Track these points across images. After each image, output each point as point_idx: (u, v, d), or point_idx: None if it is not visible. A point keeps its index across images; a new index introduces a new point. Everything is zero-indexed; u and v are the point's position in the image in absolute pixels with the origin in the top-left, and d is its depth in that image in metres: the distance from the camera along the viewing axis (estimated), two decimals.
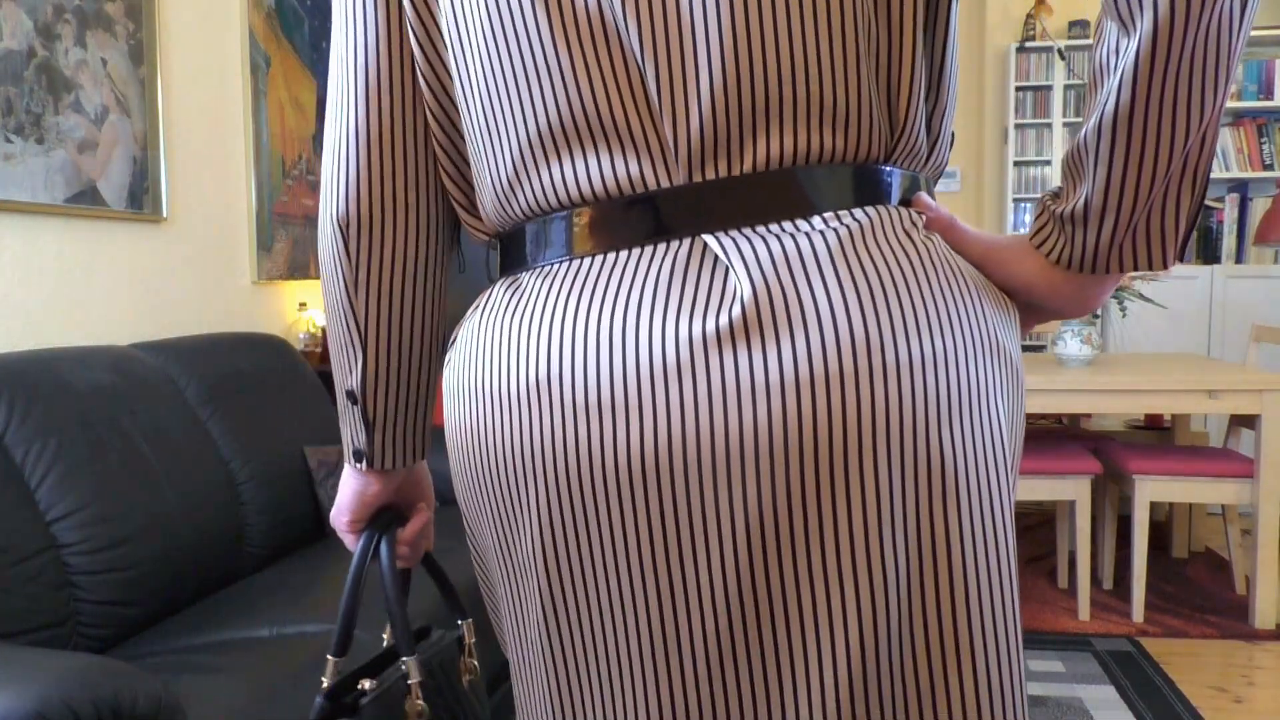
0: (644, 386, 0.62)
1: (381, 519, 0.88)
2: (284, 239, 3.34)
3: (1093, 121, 0.62)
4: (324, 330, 3.41)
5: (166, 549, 2.03)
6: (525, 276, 0.71)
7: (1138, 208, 0.63)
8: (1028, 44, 4.56)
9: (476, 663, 0.93)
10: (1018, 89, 4.60)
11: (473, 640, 0.93)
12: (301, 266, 3.46)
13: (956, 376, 0.62)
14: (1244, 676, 2.65)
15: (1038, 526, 4.19)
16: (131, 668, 1.22)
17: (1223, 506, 3.42)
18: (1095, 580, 3.41)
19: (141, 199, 2.63)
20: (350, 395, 0.82)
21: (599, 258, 0.67)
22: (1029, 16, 4.57)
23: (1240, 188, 4.53)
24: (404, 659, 0.83)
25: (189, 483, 2.15)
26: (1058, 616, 3.08)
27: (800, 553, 0.61)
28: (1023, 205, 4.66)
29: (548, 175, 0.68)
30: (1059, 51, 4.53)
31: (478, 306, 0.75)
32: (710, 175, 0.65)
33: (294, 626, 1.84)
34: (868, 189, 0.67)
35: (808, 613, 0.62)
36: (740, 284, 0.62)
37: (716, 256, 0.64)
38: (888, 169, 0.68)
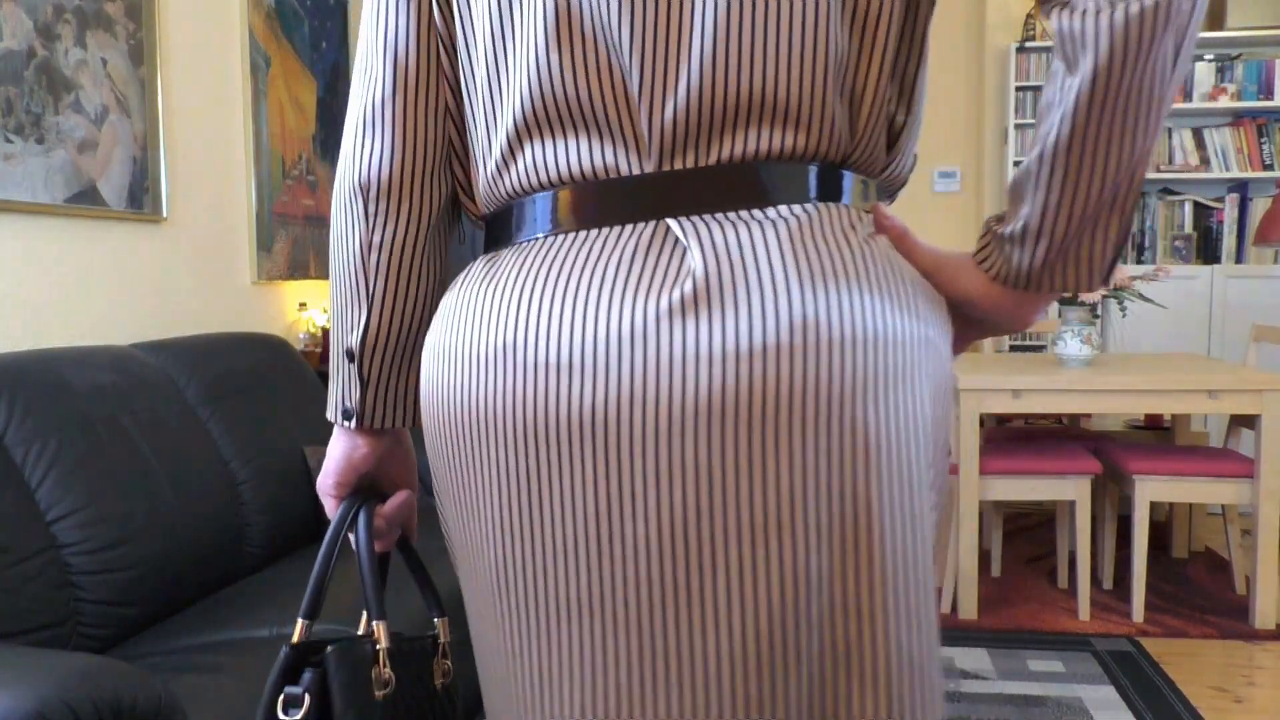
0: (599, 351, 0.68)
1: (364, 490, 0.89)
2: (284, 239, 3.34)
3: (1036, 151, 0.69)
4: (324, 330, 3.41)
5: (166, 549, 2.03)
6: (504, 252, 0.77)
7: (1069, 233, 0.69)
8: (1028, 44, 4.56)
9: (451, 664, 0.92)
10: (1018, 89, 4.60)
11: (448, 640, 0.90)
12: (301, 266, 3.46)
13: (885, 358, 0.68)
14: (1244, 676, 2.65)
15: (1038, 526, 4.19)
16: (131, 668, 1.22)
17: (1223, 506, 3.42)
18: (1095, 580, 3.41)
19: (141, 199, 2.63)
20: (349, 353, 0.86)
21: (570, 235, 0.73)
22: (1029, 16, 4.57)
23: (1240, 188, 4.53)
24: (374, 622, 0.85)
25: (189, 483, 2.15)
26: (1058, 616, 3.08)
27: (732, 509, 0.67)
28: None
29: (532, 157, 0.75)
30: None
31: (458, 279, 0.81)
32: (679, 165, 0.72)
33: (294, 626, 1.84)
34: (822, 187, 0.73)
35: (734, 565, 0.67)
36: (694, 263, 0.68)
37: (677, 238, 0.70)
38: (843, 172, 0.75)
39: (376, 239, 0.83)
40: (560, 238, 0.73)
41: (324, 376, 3.19)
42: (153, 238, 2.70)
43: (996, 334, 0.79)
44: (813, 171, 0.73)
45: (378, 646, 0.83)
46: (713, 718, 0.68)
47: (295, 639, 0.84)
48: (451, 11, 0.80)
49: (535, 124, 0.74)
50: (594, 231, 0.72)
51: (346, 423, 0.88)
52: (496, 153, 0.77)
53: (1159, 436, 3.83)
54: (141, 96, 2.62)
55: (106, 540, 1.89)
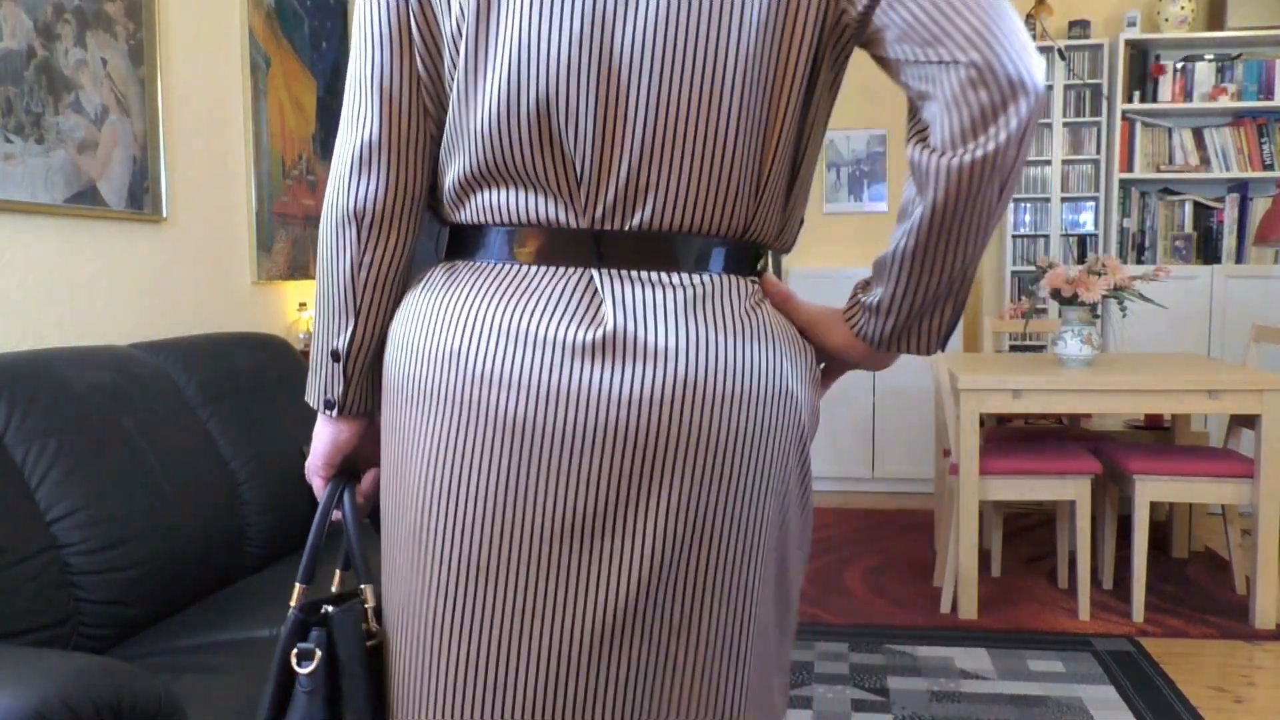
0: (523, 373, 0.84)
1: (345, 472, 1.04)
2: (284, 239, 3.34)
3: (892, 247, 0.86)
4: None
5: (166, 549, 2.03)
6: (460, 266, 0.92)
7: (912, 314, 0.88)
8: None
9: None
10: None
11: (373, 605, 0.99)
12: (301, 266, 3.46)
13: (749, 415, 0.86)
14: (1244, 677, 2.65)
15: (1038, 526, 4.19)
16: (131, 668, 1.22)
17: (1223, 506, 3.42)
18: (1095, 580, 3.41)
19: (141, 199, 2.63)
20: (334, 354, 0.98)
21: (515, 265, 0.89)
22: (1029, 16, 4.57)
23: (1240, 188, 4.53)
24: (362, 585, 0.98)
25: (189, 483, 2.15)
26: (1058, 616, 3.08)
27: (610, 512, 0.84)
28: (1022, 205, 4.66)
29: (486, 200, 0.91)
30: (1059, 51, 4.52)
31: (421, 280, 0.96)
32: (608, 226, 0.88)
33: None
34: (722, 257, 0.91)
35: (605, 552, 0.85)
36: (606, 314, 0.85)
37: (596, 288, 0.86)
38: (741, 242, 0.92)
39: (366, 259, 0.94)
40: (506, 266, 0.89)
41: None
42: (153, 238, 2.71)
43: (863, 368, 0.97)
44: (715, 244, 0.90)
45: (366, 605, 0.97)
46: (577, 658, 0.86)
47: (293, 602, 0.98)
48: (435, 55, 0.92)
49: (488, 176, 0.90)
50: (534, 268, 0.88)
51: (329, 412, 1.00)
52: (456, 186, 0.92)
53: (1159, 436, 3.83)
54: (141, 96, 2.62)
55: (106, 540, 1.89)
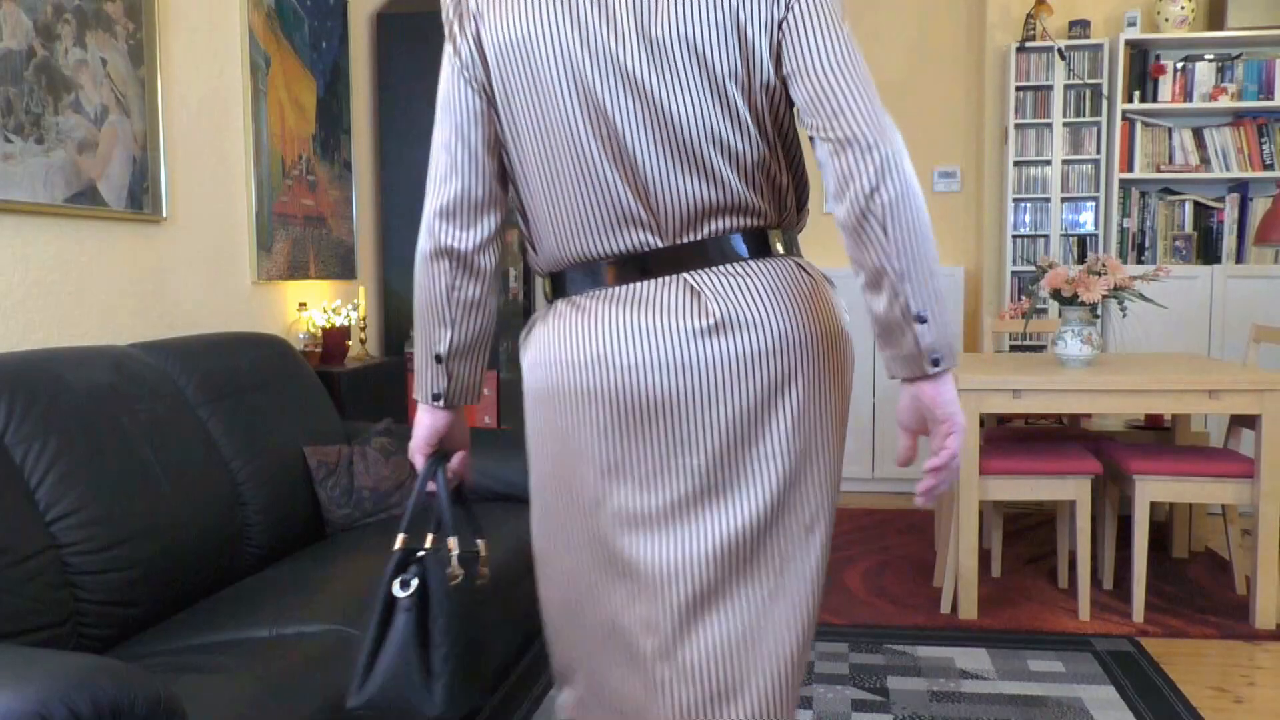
0: (662, 358, 1.16)
1: (439, 452, 1.34)
2: (284, 239, 3.34)
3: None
4: (323, 330, 3.42)
5: (166, 549, 2.03)
6: (579, 297, 1.23)
7: (890, 348, 1.19)
8: (1028, 44, 4.56)
9: (488, 570, 1.34)
10: (1018, 89, 4.60)
11: (487, 554, 1.33)
12: (301, 266, 3.46)
13: (815, 356, 1.20)
14: (1244, 677, 2.65)
15: (1038, 526, 4.19)
16: (131, 668, 1.22)
17: (1223, 506, 3.42)
18: (1095, 580, 3.40)
19: (141, 199, 2.63)
20: (437, 357, 1.29)
21: (624, 287, 1.20)
22: (1029, 16, 4.57)
23: (1240, 188, 4.53)
24: (449, 538, 1.28)
25: (189, 483, 2.15)
26: (1058, 616, 3.08)
27: (746, 446, 1.17)
28: (1023, 205, 4.66)
29: (596, 241, 1.21)
30: (1059, 51, 4.52)
31: (546, 314, 1.27)
32: (683, 241, 1.20)
33: (294, 626, 1.84)
34: (764, 243, 1.23)
35: (750, 475, 1.18)
36: (712, 305, 1.17)
37: (693, 287, 1.18)
38: (773, 231, 1.24)
39: (457, 283, 1.26)
40: (618, 288, 1.20)
41: (324, 376, 3.20)
42: (153, 238, 2.70)
43: (934, 401, 1.20)
44: (757, 234, 1.22)
45: (452, 553, 1.27)
46: (741, 536, 1.19)
47: (397, 546, 1.27)
48: (506, 138, 1.23)
49: (586, 229, 1.21)
50: (640, 284, 1.20)
51: (435, 403, 1.31)
52: (563, 235, 1.23)
53: (1159, 436, 3.83)
54: (141, 96, 2.62)
55: (106, 540, 1.89)
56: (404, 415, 3.70)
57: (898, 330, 1.13)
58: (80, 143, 2.40)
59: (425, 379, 1.30)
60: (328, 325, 3.44)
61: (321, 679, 1.65)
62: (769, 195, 1.23)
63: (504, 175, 1.26)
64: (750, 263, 1.21)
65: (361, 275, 4.00)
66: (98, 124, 2.46)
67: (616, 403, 1.17)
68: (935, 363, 1.13)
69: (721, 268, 1.20)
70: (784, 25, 1.14)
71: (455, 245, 1.24)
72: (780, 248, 1.25)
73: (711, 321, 1.16)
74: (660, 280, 1.19)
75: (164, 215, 2.71)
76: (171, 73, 2.78)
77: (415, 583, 1.25)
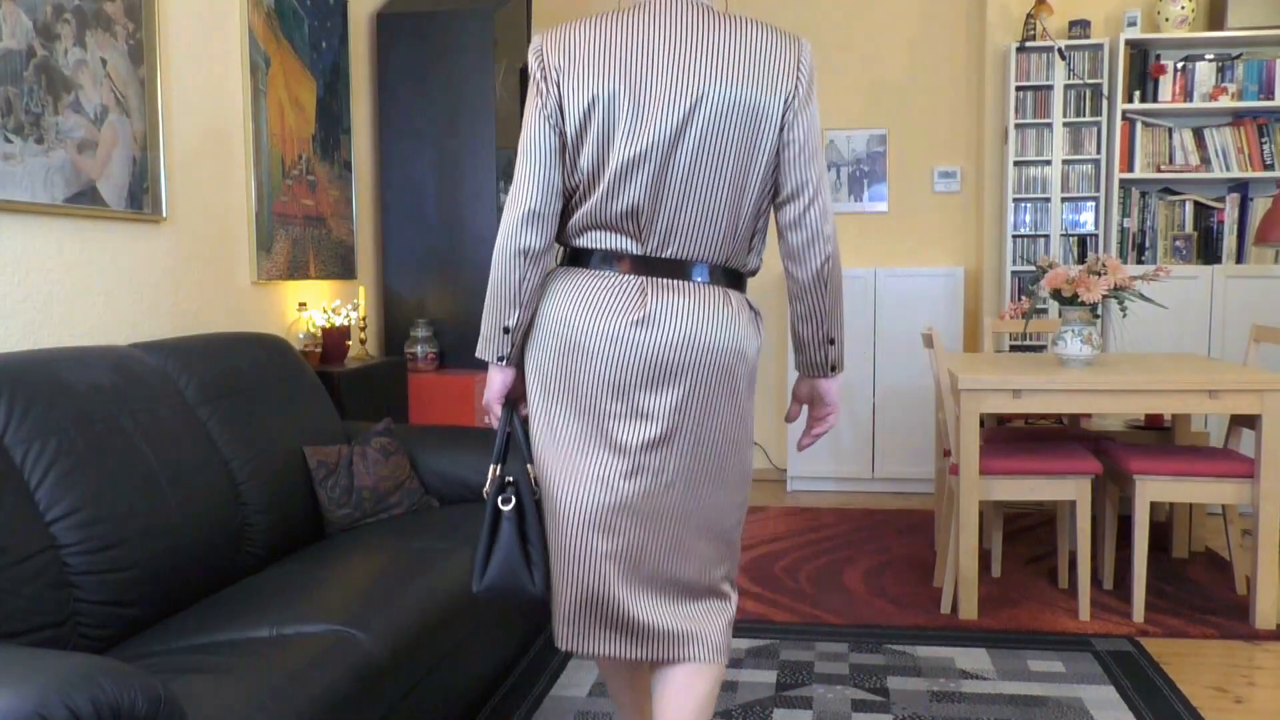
0: (608, 338, 1.61)
1: (508, 402, 1.74)
2: (284, 239, 3.34)
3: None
4: (323, 330, 3.42)
5: (166, 549, 2.03)
6: (576, 271, 1.68)
7: (809, 356, 1.76)
8: (1028, 44, 4.56)
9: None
10: (1018, 89, 4.60)
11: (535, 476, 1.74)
12: (301, 266, 3.46)
13: (723, 359, 1.63)
14: (1244, 677, 2.65)
15: (1038, 526, 4.19)
16: (131, 668, 1.22)
17: (1223, 506, 3.42)
18: (1095, 580, 3.41)
19: (141, 199, 2.63)
20: (506, 329, 1.66)
21: (605, 272, 1.65)
22: (1029, 16, 4.57)
23: (1240, 188, 4.53)
24: (528, 464, 1.70)
25: (189, 483, 2.15)
26: (1058, 616, 3.08)
27: (652, 395, 1.62)
28: (1023, 205, 4.66)
29: (591, 237, 1.67)
30: (1059, 51, 4.52)
31: (557, 279, 1.68)
32: (653, 254, 1.64)
33: (294, 626, 1.84)
34: (715, 272, 1.66)
35: (654, 405, 1.62)
36: (649, 304, 1.61)
37: (644, 290, 1.62)
38: (725, 266, 1.67)
39: (529, 275, 1.64)
40: (602, 270, 1.65)
41: (324, 376, 3.20)
42: (153, 238, 2.70)
43: (826, 390, 1.80)
44: (707, 267, 1.66)
45: (531, 476, 1.70)
46: (639, 457, 1.64)
47: (492, 475, 1.70)
48: (570, 158, 1.64)
49: (596, 224, 1.66)
50: (613, 275, 1.64)
51: (500, 363, 1.69)
52: (578, 226, 1.67)
53: (1159, 436, 3.83)
54: (141, 96, 2.62)
55: (106, 540, 1.89)
56: (404, 415, 3.70)
57: (814, 347, 1.73)
58: (80, 143, 2.40)
59: (494, 344, 1.68)
60: (327, 325, 3.44)
61: (321, 679, 1.65)
62: (729, 242, 1.72)
63: (563, 194, 1.66)
64: (697, 283, 1.70)
65: (361, 275, 4.00)
66: (98, 124, 2.46)
67: (591, 355, 1.66)
68: (833, 368, 1.76)
69: (673, 281, 1.68)
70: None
71: (530, 246, 1.63)
72: (727, 279, 1.74)
73: (644, 315, 1.64)
74: (628, 277, 1.71)
75: (164, 215, 2.71)
76: (171, 73, 2.78)
77: (513, 499, 1.68)
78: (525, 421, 1.74)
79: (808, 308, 1.69)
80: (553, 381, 1.66)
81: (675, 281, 1.63)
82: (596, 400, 1.63)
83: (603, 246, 1.65)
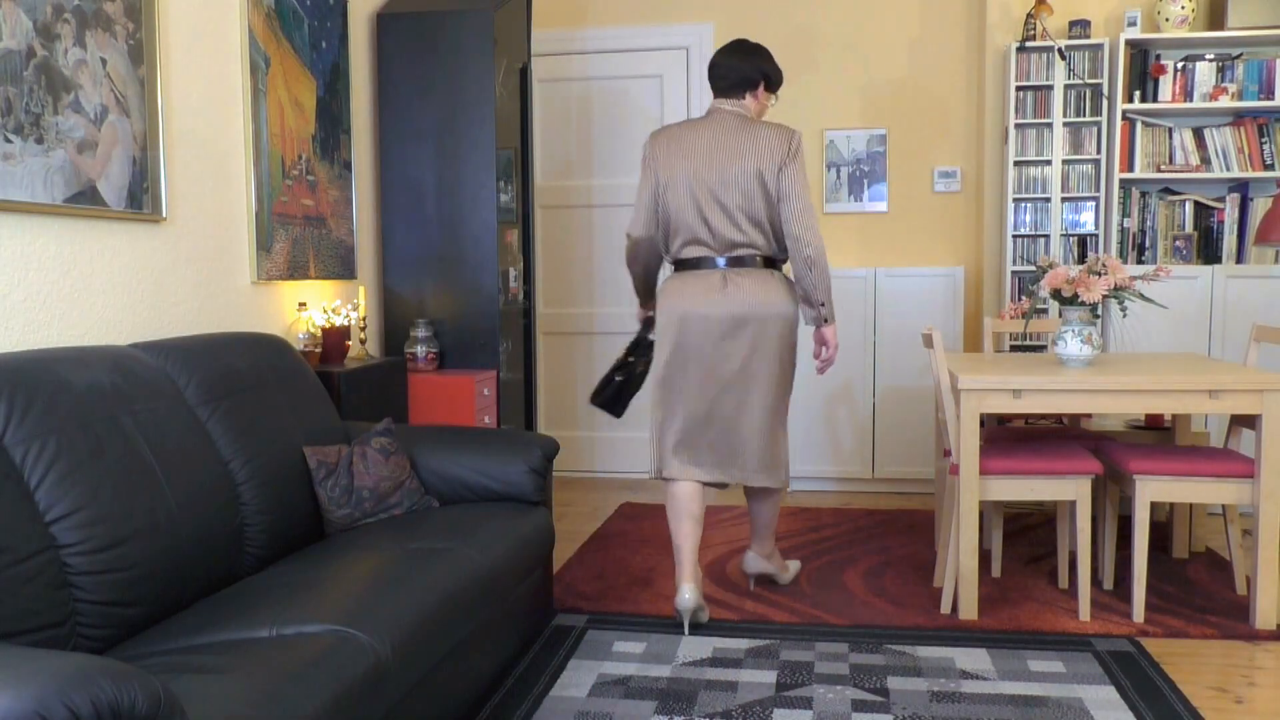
0: (704, 306, 3.01)
1: (645, 319, 3.35)
2: (283, 239, 3.34)
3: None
4: (323, 330, 3.42)
5: (166, 549, 2.03)
6: (683, 273, 3.07)
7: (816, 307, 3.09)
8: (1028, 44, 4.56)
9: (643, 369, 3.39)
10: (1018, 89, 4.60)
11: (645, 366, 3.32)
12: (301, 267, 3.46)
13: (773, 318, 3.02)
14: (1245, 677, 2.65)
15: (1038, 526, 4.19)
16: (131, 668, 1.22)
17: (1223, 506, 3.41)
18: (1095, 580, 3.40)
19: (141, 199, 2.63)
20: (647, 289, 3.30)
21: (700, 272, 3.04)
22: (1029, 16, 4.56)
23: (1240, 188, 4.53)
24: (650, 337, 3.30)
25: (189, 483, 2.15)
26: (1058, 616, 3.08)
27: (727, 345, 3.02)
28: (1023, 205, 4.66)
29: (690, 249, 3.05)
30: (1059, 51, 4.52)
31: (670, 276, 3.11)
32: (728, 255, 3.03)
33: (294, 626, 1.84)
34: (766, 261, 3.05)
35: (730, 350, 3.02)
36: (730, 286, 3.01)
37: (726, 277, 3.02)
38: (769, 257, 3.06)
39: (651, 266, 3.22)
40: (699, 270, 3.03)
41: (324, 376, 3.20)
42: (153, 238, 2.70)
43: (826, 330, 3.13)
44: (761, 258, 3.04)
45: (642, 358, 3.33)
46: (718, 391, 3.06)
47: (623, 353, 3.37)
48: (666, 202, 3.05)
49: (687, 242, 3.04)
50: (705, 271, 3.03)
51: (647, 301, 3.34)
52: (677, 245, 3.06)
53: (1159, 436, 3.83)
54: (141, 96, 2.62)
55: (106, 540, 1.89)
56: (404, 415, 3.70)
57: (811, 306, 3.03)
58: (80, 143, 2.40)
59: (640, 295, 3.30)
60: (327, 325, 3.44)
61: (321, 679, 1.65)
62: (767, 243, 3.05)
63: (659, 222, 3.07)
64: (755, 270, 3.05)
65: (361, 275, 4.00)
66: (98, 124, 2.46)
67: (698, 324, 3.02)
68: (826, 320, 3.04)
69: (742, 269, 3.03)
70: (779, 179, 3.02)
71: (645, 255, 3.17)
72: (775, 265, 3.10)
73: (725, 292, 2.99)
74: (714, 271, 3.04)
75: (164, 215, 2.71)
76: (171, 73, 2.78)
77: (631, 361, 3.29)
78: (650, 343, 3.29)
79: (805, 284, 3.03)
80: (669, 332, 3.04)
81: (742, 269, 3.01)
82: (701, 340, 2.99)
83: (695, 255, 3.04)
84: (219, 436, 2.37)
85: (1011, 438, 3.49)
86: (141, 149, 2.63)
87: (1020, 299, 4.57)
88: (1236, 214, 4.51)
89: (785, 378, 3.04)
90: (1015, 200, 4.66)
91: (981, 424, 3.45)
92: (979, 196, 4.93)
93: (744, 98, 3.09)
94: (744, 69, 3.07)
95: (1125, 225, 4.58)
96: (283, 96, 3.34)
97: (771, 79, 3.15)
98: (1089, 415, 3.90)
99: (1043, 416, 3.98)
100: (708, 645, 2.87)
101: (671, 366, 3.00)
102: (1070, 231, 4.65)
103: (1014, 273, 4.67)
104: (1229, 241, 4.51)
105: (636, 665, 2.73)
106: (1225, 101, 4.40)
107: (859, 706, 2.46)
